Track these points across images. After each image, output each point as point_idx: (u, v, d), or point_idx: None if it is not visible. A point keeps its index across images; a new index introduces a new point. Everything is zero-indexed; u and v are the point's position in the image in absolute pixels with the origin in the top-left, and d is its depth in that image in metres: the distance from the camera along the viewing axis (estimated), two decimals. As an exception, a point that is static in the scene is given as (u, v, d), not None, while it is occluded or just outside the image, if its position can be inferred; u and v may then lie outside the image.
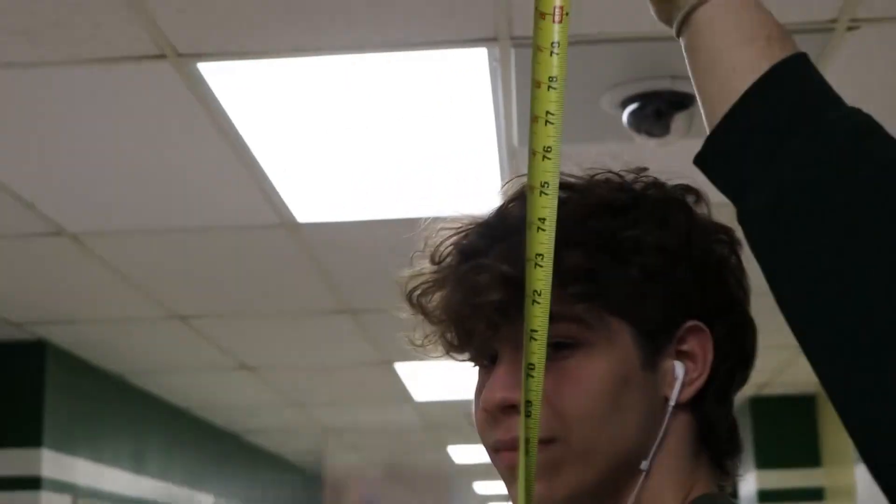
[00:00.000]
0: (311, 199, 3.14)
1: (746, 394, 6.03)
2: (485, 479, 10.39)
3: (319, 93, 2.55)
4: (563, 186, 0.85)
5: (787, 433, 6.21)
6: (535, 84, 0.70)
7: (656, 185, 0.89)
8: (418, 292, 0.88)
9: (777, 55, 0.71)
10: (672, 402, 0.84)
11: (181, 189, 3.09)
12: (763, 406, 6.14)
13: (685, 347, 0.85)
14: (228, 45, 2.33)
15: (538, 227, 0.71)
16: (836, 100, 0.71)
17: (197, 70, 2.40)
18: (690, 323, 0.85)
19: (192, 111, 2.59)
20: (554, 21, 0.69)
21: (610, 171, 0.89)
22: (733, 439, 0.89)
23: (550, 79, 0.69)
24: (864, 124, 0.69)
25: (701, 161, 0.74)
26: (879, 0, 2.24)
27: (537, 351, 0.73)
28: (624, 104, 2.43)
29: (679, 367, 0.85)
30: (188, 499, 6.34)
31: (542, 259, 0.71)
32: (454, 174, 2.99)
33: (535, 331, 0.73)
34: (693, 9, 0.74)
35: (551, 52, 0.69)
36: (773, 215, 0.69)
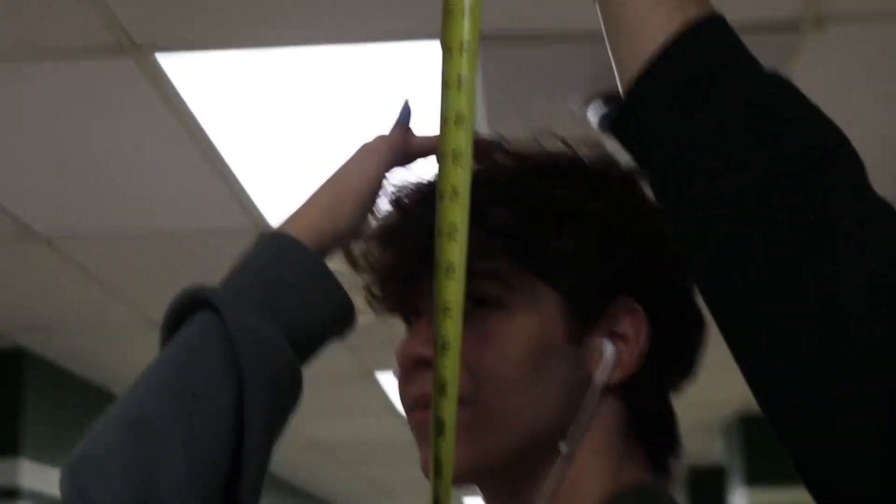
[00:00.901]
0: (281, 201, 3.11)
1: (738, 411, 6.09)
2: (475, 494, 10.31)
3: (285, 86, 2.53)
4: (506, 152, 0.85)
5: (779, 451, 6.15)
6: (446, 86, 0.69)
7: (606, 160, 0.86)
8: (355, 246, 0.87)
9: (691, 13, 0.67)
10: (599, 384, 0.79)
11: (149, 190, 3.09)
12: (755, 424, 6.13)
13: (617, 327, 0.80)
14: (189, 36, 2.31)
15: (450, 198, 0.69)
16: (750, 62, 0.67)
17: (157, 63, 2.38)
18: (625, 301, 0.80)
19: (155, 107, 2.57)
20: (464, 19, 0.68)
21: (562, 141, 0.86)
22: (670, 433, 0.84)
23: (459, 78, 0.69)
24: (777, 87, 0.66)
25: (612, 128, 0.70)
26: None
27: (452, 329, 0.69)
28: (587, 102, 2.42)
29: (609, 347, 0.80)
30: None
31: (456, 233, 0.69)
32: (425, 168, 2.97)
33: (449, 308, 0.69)
34: None
35: (461, 51, 0.68)
36: (673, 170, 0.66)
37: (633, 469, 0.81)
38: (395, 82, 2.53)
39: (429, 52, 2.39)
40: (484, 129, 2.58)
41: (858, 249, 0.59)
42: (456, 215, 0.68)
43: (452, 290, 0.69)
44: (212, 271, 0.89)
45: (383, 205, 0.86)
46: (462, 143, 0.69)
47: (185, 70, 2.44)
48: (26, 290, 3.99)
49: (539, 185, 0.81)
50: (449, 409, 0.69)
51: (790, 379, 0.60)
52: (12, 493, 4.59)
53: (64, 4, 2.16)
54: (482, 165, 0.81)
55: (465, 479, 0.79)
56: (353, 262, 0.86)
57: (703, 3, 0.67)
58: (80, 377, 5.18)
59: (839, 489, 0.60)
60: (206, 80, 2.49)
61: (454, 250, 0.69)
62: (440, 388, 0.69)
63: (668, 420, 0.84)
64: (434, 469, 0.70)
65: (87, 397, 5.30)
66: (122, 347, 4.80)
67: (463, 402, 0.74)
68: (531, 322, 0.79)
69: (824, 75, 2.58)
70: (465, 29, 0.69)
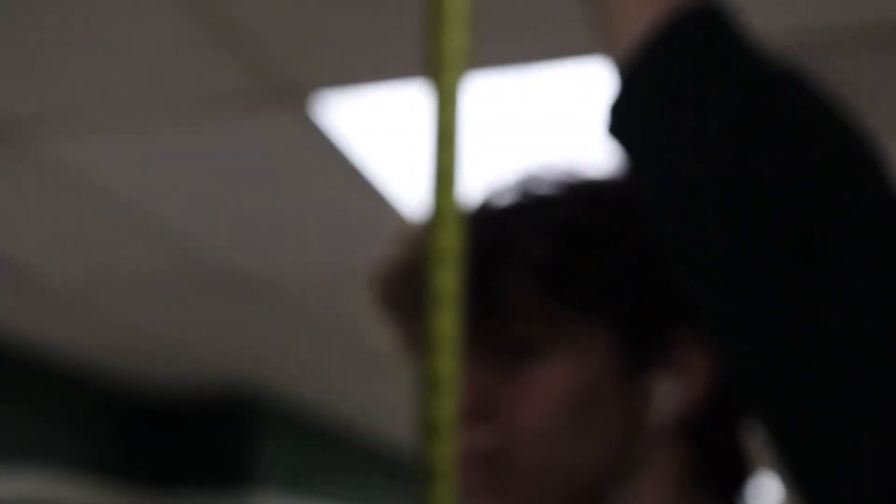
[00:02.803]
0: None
1: None
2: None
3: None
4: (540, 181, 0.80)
5: None
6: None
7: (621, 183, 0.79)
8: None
9: (674, 8, 0.63)
10: (657, 426, 0.72)
11: (325, 228, 3.19)
12: None
13: (677, 358, 0.73)
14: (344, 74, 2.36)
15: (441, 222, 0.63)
16: (746, 50, 0.62)
17: (314, 104, 2.46)
18: (687, 331, 0.72)
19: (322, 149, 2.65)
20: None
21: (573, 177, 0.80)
22: (742, 479, 0.75)
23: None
24: (773, 77, 0.60)
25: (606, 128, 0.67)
26: None
27: (445, 364, 0.63)
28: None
29: (668, 383, 0.73)
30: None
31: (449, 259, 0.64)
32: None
33: (443, 340, 0.63)
34: None
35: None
36: (647, 184, 0.62)
37: None
38: (561, 102, 2.50)
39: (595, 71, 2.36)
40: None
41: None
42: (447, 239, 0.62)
43: (446, 322, 0.62)
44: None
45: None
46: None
47: (342, 108, 2.49)
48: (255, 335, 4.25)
49: (578, 212, 0.75)
50: (443, 455, 0.62)
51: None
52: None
53: (219, 55, 2.25)
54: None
55: None
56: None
57: None
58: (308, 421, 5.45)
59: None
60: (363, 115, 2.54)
61: (448, 277, 0.62)
62: (431, 431, 0.62)
63: (741, 464, 0.75)
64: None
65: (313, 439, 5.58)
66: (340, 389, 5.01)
67: (498, 459, 0.72)
68: (577, 364, 0.72)
69: None
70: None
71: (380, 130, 2.62)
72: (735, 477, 0.75)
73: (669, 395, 0.72)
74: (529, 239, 0.73)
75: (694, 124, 0.59)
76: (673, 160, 0.59)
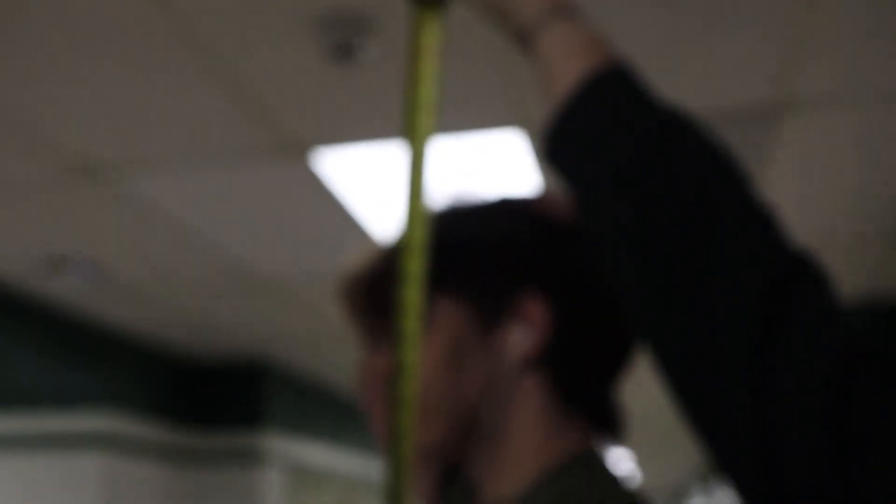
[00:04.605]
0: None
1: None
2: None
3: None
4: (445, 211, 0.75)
5: None
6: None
7: (509, 197, 0.74)
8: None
9: (600, 65, 0.59)
10: (509, 363, 0.68)
11: (318, 247, 3.08)
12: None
13: (521, 312, 0.69)
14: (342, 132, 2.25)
15: (408, 251, 0.62)
16: (647, 99, 0.58)
17: (314, 158, 2.37)
18: (527, 288, 0.69)
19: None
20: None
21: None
22: (603, 402, 0.70)
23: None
24: (666, 119, 0.57)
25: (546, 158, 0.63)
26: (813, 84, 2.04)
27: (410, 353, 0.61)
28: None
29: (515, 330, 0.68)
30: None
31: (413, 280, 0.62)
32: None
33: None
34: (532, 35, 0.63)
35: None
36: (579, 203, 0.58)
37: (569, 437, 0.68)
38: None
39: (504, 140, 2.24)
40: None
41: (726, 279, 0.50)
42: (413, 265, 0.60)
43: (412, 296, 0.60)
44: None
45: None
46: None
47: (339, 162, 2.39)
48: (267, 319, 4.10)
49: (445, 228, 0.72)
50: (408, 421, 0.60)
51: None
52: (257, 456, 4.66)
53: (243, 119, 2.19)
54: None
55: (428, 458, 0.70)
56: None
57: (605, 55, 0.60)
58: (311, 382, 5.26)
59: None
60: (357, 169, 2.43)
61: (412, 295, 0.61)
62: (399, 404, 0.60)
63: (600, 393, 0.70)
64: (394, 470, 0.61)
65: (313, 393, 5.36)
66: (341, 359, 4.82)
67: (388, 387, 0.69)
68: (444, 330, 0.69)
69: (799, 156, 2.37)
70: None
71: (363, 178, 2.55)
72: (599, 400, 0.70)
73: (520, 340, 0.68)
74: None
75: (608, 154, 0.56)
76: (594, 179, 0.57)
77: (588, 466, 0.66)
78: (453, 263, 0.70)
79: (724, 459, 0.50)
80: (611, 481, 0.64)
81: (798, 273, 0.50)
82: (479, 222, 0.72)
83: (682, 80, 2.01)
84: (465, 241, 0.71)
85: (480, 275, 0.70)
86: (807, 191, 2.59)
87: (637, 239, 0.53)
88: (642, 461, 9.76)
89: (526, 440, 0.68)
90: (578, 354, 0.69)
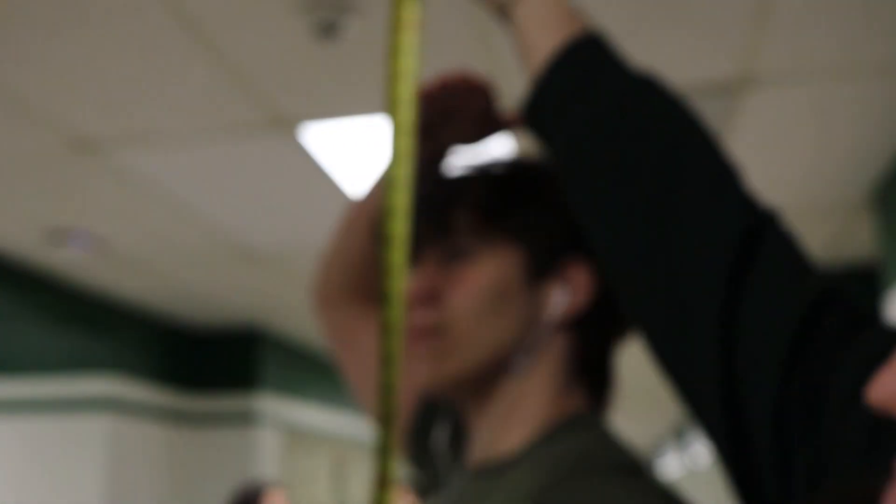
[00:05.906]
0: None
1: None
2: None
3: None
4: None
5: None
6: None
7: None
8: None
9: (575, 34, 0.60)
10: (547, 321, 0.68)
11: (306, 218, 3.08)
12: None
13: (567, 276, 0.69)
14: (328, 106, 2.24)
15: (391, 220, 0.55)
16: (619, 63, 0.59)
17: (301, 132, 2.35)
18: (577, 257, 0.69)
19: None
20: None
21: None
22: (608, 372, 0.71)
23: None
24: (638, 81, 0.57)
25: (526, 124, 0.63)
26: (773, 62, 2.05)
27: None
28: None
29: (558, 292, 0.69)
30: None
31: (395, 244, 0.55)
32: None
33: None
34: (509, 7, 0.63)
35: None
36: (561, 164, 0.59)
37: (574, 400, 0.69)
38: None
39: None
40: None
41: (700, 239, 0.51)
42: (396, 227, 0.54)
43: (397, 257, 0.54)
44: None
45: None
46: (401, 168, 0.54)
47: (325, 135, 2.37)
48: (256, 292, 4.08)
49: (504, 177, 0.72)
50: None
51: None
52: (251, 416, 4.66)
53: (235, 96, 2.18)
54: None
55: (435, 390, 0.70)
56: None
57: (580, 25, 0.60)
58: (302, 346, 5.24)
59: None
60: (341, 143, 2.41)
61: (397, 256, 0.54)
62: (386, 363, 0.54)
63: (608, 363, 0.72)
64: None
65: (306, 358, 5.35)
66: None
67: (437, 331, 0.68)
68: (493, 269, 0.69)
69: (760, 132, 2.36)
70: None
71: (349, 151, 2.54)
72: (603, 372, 0.71)
73: (559, 301, 0.69)
74: (475, 187, 0.71)
75: (586, 113, 0.57)
76: (573, 137, 0.57)
77: (588, 427, 0.67)
78: (518, 211, 0.70)
79: (697, 409, 0.50)
80: (610, 441, 0.65)
81: (766, 225, 0.50)
82: (547, 181, 0.72)
83: (647, 57, 2.01)
84: (533, 193, 0.71)
85: (541, 229, 0.70)
86: (766, 163, 2.61)
87: (613, 194, 0.53)
88: (619, 422, 9.89)
89: (536, 397, 0.68)
90: (603, 324, 0.70)
